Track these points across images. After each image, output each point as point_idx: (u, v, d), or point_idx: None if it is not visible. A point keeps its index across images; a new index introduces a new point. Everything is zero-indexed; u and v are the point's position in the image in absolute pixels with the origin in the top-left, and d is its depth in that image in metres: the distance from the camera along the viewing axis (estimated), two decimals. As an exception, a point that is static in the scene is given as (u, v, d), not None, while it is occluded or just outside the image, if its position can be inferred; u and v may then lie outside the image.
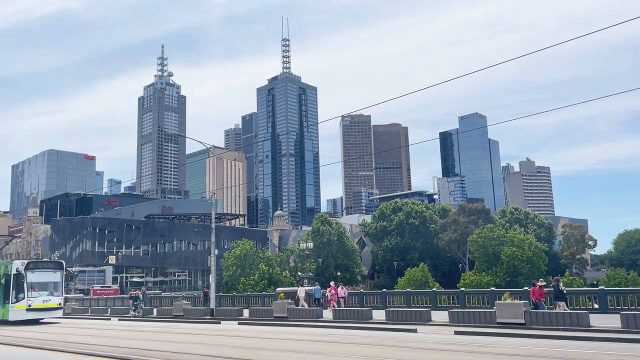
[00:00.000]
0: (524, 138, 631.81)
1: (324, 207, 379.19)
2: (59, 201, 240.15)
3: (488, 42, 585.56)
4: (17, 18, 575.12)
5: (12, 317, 38.23)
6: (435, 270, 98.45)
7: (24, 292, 38.24)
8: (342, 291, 39.37)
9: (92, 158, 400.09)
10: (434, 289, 46.59)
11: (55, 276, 40.63)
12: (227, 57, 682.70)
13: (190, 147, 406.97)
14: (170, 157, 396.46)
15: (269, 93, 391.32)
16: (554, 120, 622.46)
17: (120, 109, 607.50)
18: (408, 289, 50.79)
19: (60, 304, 40.40)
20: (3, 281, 39.98)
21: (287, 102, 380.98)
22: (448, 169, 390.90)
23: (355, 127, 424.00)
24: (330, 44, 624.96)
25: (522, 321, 25.37)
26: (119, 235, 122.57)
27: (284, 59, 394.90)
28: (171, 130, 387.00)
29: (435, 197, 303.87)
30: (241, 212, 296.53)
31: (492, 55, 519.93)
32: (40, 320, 39.78)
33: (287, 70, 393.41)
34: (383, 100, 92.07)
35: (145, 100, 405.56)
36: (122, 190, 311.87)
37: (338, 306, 37.36)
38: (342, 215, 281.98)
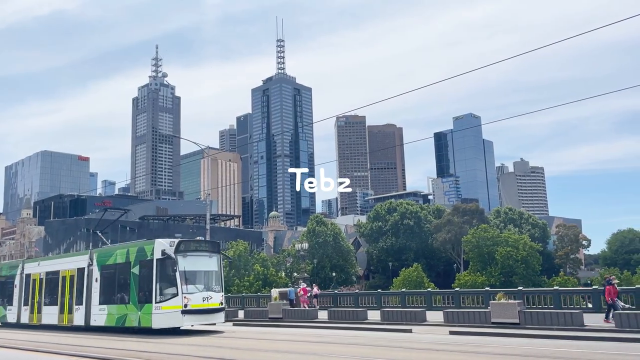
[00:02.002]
0: (518, 138, 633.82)
1: (319, 208, 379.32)
2: (52, 202, 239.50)
3: (486, 42, 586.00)
4: (15, 18, 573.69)
5: (157, 322, 25.75)
6: (430, 270, 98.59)
7: (176, 285, 25.58)
8: (316, 290, 42.03)
9: (86, 159, 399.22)
10: (428, 289, 46.69)
11: (212, 263, 27.96)
12: (223, 57, 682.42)
13: (185, 148, 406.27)
14: (165, 158, 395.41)
15: (263, 94, 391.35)
16: (548, 120, 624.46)
17: (115, 109, 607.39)
18: (403, 290, 50.89)
19: (222, 304, 27.63)
20: (137, 270, 27.13)
21: (281, 103, 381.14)
22: (442, 170, 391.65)
23: (350, 127, 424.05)
24: (326, 45, 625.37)
25: (517, 321, 25.49)
26: (113, 236, 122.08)
27: (279, 60, 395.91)
28: (165, 131, 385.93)
29: (430, 197, 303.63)
30: (236, 213, 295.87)
31: (490, 55, 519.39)
32: (180, 328, 26.88)
33: (282, 71, 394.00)
34: (377, 100, 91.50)
35: (140, 101, 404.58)
36: (116, 192, 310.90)
37: (310, 305, 38.94)
38: (337, 216, 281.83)
